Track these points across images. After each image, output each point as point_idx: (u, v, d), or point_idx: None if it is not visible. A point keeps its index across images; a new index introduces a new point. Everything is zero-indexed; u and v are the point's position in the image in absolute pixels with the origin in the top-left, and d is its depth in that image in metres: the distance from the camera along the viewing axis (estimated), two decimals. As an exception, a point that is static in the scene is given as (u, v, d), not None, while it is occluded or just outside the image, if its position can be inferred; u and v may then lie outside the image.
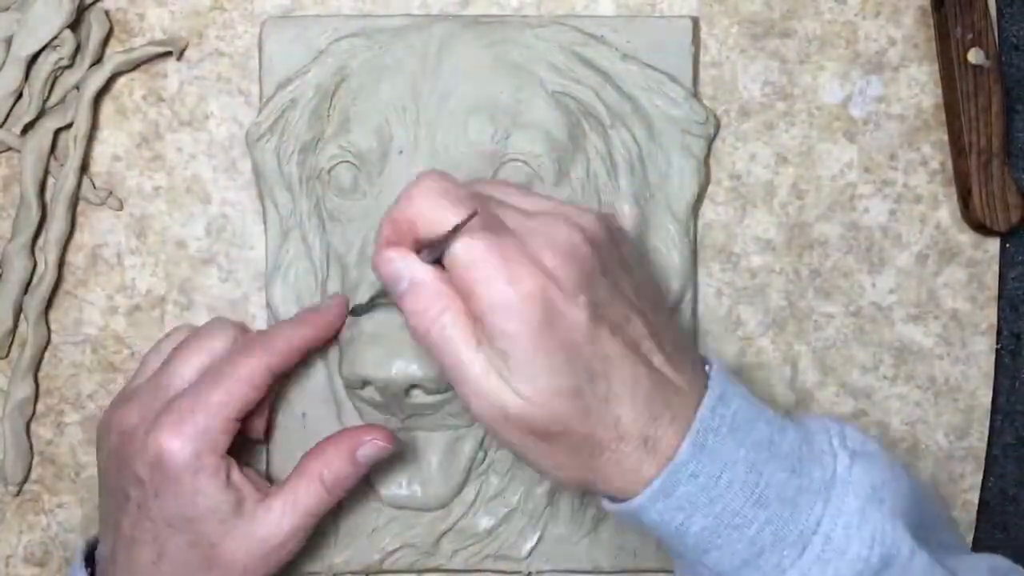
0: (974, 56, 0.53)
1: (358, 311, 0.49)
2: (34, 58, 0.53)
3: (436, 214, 0.41)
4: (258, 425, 0.52)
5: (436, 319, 0.41)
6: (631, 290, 0.43)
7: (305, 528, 0.48)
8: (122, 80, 0.55)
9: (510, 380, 0.40)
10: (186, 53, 0.55)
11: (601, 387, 0.40)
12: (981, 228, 0.54)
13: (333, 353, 0.53)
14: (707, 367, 0.44)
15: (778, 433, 0.42)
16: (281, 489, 0.48)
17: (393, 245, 0.42)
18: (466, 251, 0.40)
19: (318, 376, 0.54)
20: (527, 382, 0.40)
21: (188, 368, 0.49)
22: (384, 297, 0.47)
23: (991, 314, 0.55)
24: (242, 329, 0.51)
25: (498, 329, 0.40)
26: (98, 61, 0.55)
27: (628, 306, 0.42)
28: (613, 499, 0.43)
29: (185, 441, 0.46)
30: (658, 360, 0.42)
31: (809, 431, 0.43)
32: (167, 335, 0.52)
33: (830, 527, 0.41)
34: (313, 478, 0.48)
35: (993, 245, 0.55)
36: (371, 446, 0.48)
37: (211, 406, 0.47)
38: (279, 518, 0.47)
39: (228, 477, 0.47)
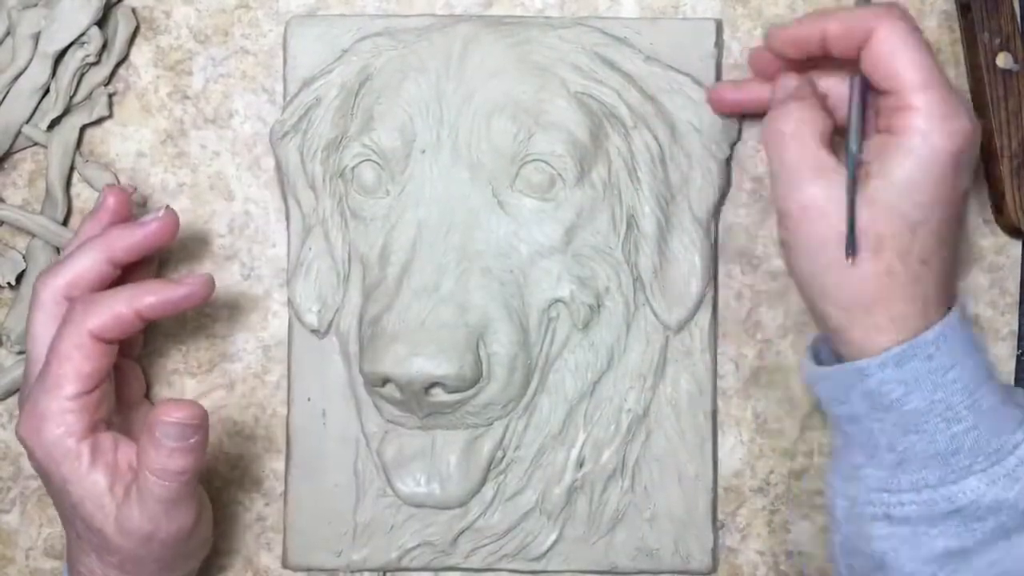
0: (1003, 60, 0.53)
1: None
2: (61, 55, 0.54)
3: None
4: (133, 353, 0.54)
5: (796, 119, 0.46)
6: None
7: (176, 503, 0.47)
8: (148, 77, 0.56)
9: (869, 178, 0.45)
10: (212, 51, 0.56)
11: (919, 244, 0.45)
12: (1015, 232, 0.54)
13: (354, 350, 0.53)
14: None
15: (995, 370, 0.47)
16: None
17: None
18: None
19: (338, 373, 0.54)
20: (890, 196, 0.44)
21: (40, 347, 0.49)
22: None
23: (1012, 320, 0.55)
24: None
25: (914, 166, 0.44)
26: (125, 58, 0.55)
27: None
28: (818, 361, 0.48)
29: (34, 433, 0.47)
30: (946, 263, 0.47)
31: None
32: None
33: None
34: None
35: (1015, 250, 0.55)
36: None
37: (47, 390, 0.47)
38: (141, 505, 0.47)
39: (93, 460, 0.47)
